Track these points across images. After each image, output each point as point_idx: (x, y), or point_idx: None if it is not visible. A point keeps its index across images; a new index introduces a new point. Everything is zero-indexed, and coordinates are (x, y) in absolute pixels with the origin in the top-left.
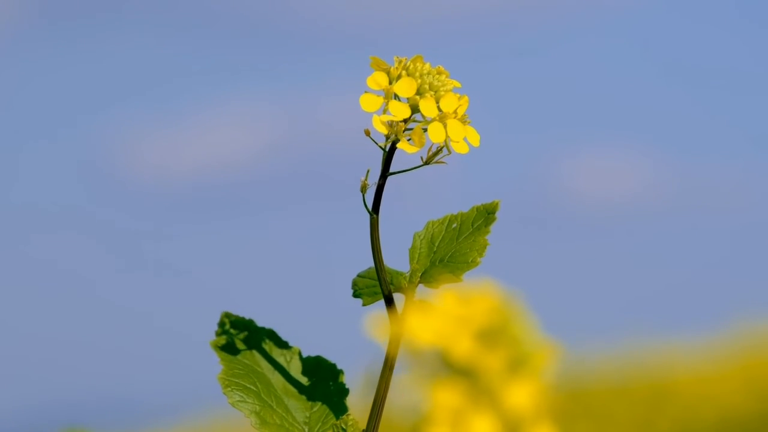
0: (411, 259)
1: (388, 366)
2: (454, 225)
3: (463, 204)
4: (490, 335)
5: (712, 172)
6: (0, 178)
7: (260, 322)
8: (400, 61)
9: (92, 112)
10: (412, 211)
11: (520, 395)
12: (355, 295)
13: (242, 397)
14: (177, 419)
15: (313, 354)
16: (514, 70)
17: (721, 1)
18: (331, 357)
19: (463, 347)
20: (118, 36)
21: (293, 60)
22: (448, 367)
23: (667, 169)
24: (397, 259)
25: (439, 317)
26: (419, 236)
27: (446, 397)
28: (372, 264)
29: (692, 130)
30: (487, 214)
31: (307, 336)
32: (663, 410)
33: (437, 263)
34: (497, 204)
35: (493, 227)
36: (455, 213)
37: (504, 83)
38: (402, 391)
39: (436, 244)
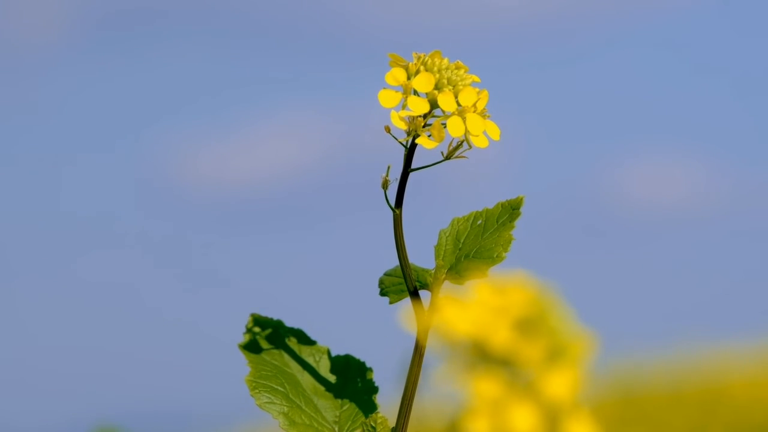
0: (436, 256)
1: (416, 361)
2: (479, 221)
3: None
4: (528, 325)
5: (763, 177)
6: (52, 191)
7: (291, 323)
8: (419, 57)
9: (144, 124)
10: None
11: (559, 385)
12: (382, 293)
13: (270, 398)
14: (230, 429)
15: (341, 353)
16: (564, 79)
17: None
18: (359, 356)
19: (501, 337)
20: (167, 48)
21: (344, 69)
22: (486, 358)
23: (718, 175)
24: (423, 258)
25: (476, 308)
26: (444, 233)
27: (486, 388)
28: (397, 262)
29: (743, 136)
30: (511, 210)
31: (335, 335)
32: (716, 415)
33: (462, 259)
34: (522, 199)
35: (542, 234)
36: (480, 210)
37: (555, 92)
38: (438, 382)
39: (462, 241)
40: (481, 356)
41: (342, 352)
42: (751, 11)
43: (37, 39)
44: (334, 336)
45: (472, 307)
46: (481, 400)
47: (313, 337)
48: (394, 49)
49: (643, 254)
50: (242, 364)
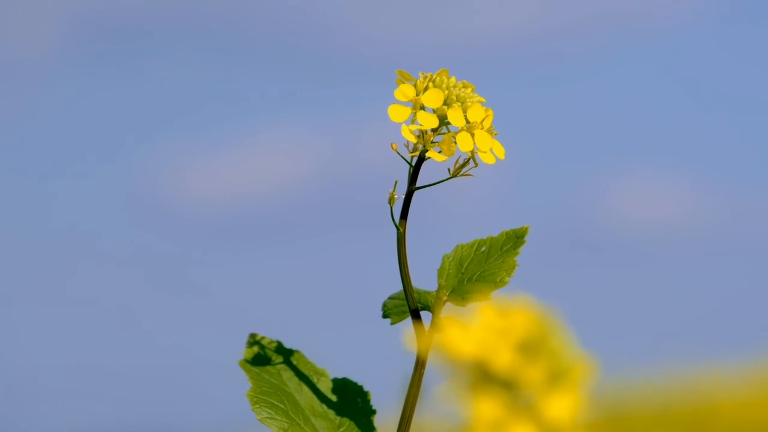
0: (439, 278)
1: (416, 381)
2: (483, 248)
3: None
4: (530, 347)
5: (754, 197)
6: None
7: (290, 344)
8: (426, 76)
9: (135, 139)
10: (452, 238)
11: (560, 407)
12: (384, 315)
13: (270, 414)
14: None
15: (338, 374)
16: (554, 97)
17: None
18: (355, 375)
19: (503, 358)
20: (158, 63)
21: (336, 86)
22: (487, 379)
23: (707, 195)
24: (425, 282)
25: (479, 329)
26: (447, 257)
27: (487, 408)
28: (397, 284)
29: (734, 155)
30: (516, 239)
31: (335, 358)
32: None
33: (465, 282)
34: (527, 229)
35: (531, 252)
36: (484, 237)
37: (545, 110)
38: (439, 401)
39: (465, 266)
40: (483, 377)
41: (338, 373)
42: (742, 33)
43: (29, 53)
44: (328, 356)
45: (475, 329)
46: (482, 421)
47: (309, 358)
48: (384, 66)
49: (632, 273)
50: (234, 382)
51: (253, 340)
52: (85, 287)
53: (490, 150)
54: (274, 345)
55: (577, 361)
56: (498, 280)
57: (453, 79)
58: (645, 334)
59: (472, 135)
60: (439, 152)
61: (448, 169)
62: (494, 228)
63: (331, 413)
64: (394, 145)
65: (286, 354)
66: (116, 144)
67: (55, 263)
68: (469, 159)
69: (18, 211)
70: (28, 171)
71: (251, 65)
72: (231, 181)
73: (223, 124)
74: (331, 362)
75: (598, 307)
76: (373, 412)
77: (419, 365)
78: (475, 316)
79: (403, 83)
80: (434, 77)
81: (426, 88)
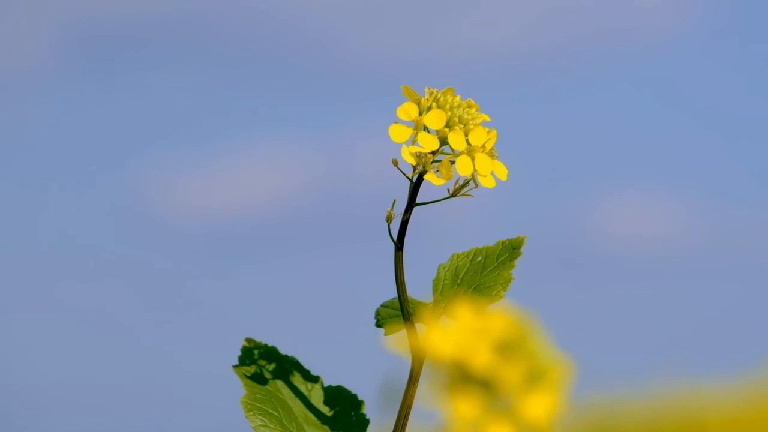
0: (434, 290)
1: (410, 391)
2: (479, 258)
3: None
4: (508, 348)
5: (742, 215)
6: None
7: (284, 352)
8: (431, 93)
9: (124, 153)
10: (445, 252)
11: (537, 408)
12: (378, 324)
13: (264, 421)
14: None
15: (334, 384)
16: (544, 115)
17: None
18: (352, 388)
19: (482, 359)
20: (148, 77)
21: (329, 102)
22: (466, 379)
23: (696, 213)
24: (420, 289)
25: (457, 330)
26: (443, 268)
27: (465, 409)
28: (395, 295)
29: (723, 174)
30: (512, 249)
31: (329, 366)
32: None
33: (461, 296)
34: (523, 239)
35: (525, 266)
36: (480, 247)
37: (535, 127)
38: (420, 402)
39: (460, 277)
40: (462, 377)
41: (332, 381)
42: (732, 51)
43: (18, 64)
44: (322, 364)
45: (453, 329)
46: (460, 421)
47: (304, 365)
48: (380, 81)
49: (621, 291)
50: (226, 394)
51: (248, 346)
52: (72, 299)
53: (491, 173)
54: (269, 351)
55: (554, 362)
56: (494, 293)
57: (458, 98)
58: (633, 351)
59: (473, 158)
60: (437, 173)
61: (448, 189)
62: (485, 242)
63: (325, 423)
64: (395, 161)
65: (281, 360)
66: (105, 156)
67: (43, 275)
68: (468, 181)
69: (4, 223)
70: (17, 182)
71: (244, 79)
72: (222, 195)
73: (215, 137)
74: (325, 370)
75: (586, 323)
76: (367, 422)
77: (414, 374)
78: (453, 317)
79: (409, 100)
80: (439, 96)
81: (429, 108)
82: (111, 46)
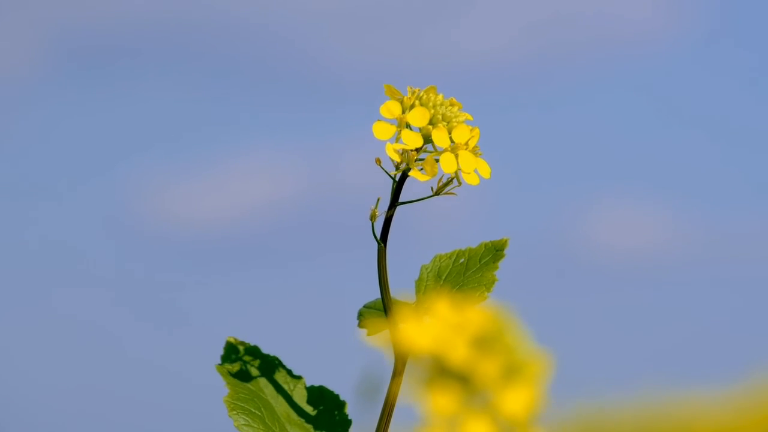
0: (417, 291)
1: (394, 388)
2: (462, 260)
3: None
4: (486, 342)
5: (732, 224)
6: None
7: (267, 352)
8: (414, 92)
9: (114, 161)
10: (428, 254)
11: (515, 402)
12: (361, 325)
13: (247, 421)
14: None
15: (317, 384)
16: (533, 123)
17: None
18: (335, 388)
19: (459, 353)
20: (140, 84)
21: (316, 109)
22: (444, 373)
23: (687, 222)
24: (403, 290)
25: (435, 324)
26: (426, 269)
27: (442, 402)
28: (378, 296)
29: (713, 183)
30: (495, 251)
31: (311, 368)
32: None
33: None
34: (506, 241)
35: (511, 273)
36: (463, 248)
37: (523, 135)
38: (401, 397)
39: (443, 278)
40: (439, 372)
41: (314, 381)
42: (725, 60)
43: (8, 73)
44: (305, 363)
45: (431, 324)
46: (437, 415)
47: (286, 364)
48: (367, 89)
49: (610, 299)
50: (209, 402)
51: (231, 344)
52: (61, 308)
53: (474, 170)
54: (252, 349)
55: (532, 357)
56: (478, 295)
57: (440, 96)
58: (624, 359)
59: (456, 156)
60: (422, 170)
61: (432, 188)
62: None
63: (307, 423)
64: (378, 160)
65: (263, 359)
66: (94, 165)
67: (31, 283)
68: (452, 178)
69: None
70: (6, 191)
71: (232, 88)
72: (211, 204)
73: (204, 146)
74: (307, 371)
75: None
76: (349, 422)
77: (396, 373)
78: (431, 311)
79: (392, 98)
80: (421, 94)
81: (412, 106)
82: (101, 54)
